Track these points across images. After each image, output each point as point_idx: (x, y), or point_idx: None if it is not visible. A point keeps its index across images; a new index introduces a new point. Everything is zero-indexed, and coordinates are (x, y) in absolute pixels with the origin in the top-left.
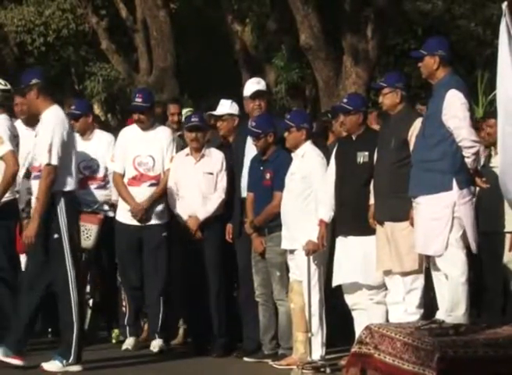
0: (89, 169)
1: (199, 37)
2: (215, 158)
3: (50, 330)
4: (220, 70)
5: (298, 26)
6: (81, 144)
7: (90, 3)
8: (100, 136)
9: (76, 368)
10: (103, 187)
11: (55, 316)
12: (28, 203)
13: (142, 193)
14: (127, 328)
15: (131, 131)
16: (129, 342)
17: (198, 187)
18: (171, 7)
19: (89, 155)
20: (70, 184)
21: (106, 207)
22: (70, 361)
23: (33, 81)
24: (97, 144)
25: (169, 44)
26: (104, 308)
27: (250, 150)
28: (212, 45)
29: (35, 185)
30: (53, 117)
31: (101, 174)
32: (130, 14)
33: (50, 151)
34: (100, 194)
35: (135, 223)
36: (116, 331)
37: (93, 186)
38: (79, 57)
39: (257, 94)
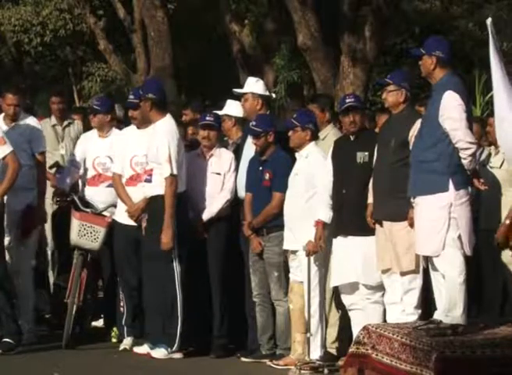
0: (102, 165)
1: (197, 38)
2: (224, 158)
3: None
4: (218, 70)
5: (296, 26)
6: (97, 141)
7: (88, 3)
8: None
9: (179, 355)
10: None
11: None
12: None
13: (138, 193)
14: (125, 328)
15: (128, 131)
16: (126, 342)
17: (205, 186)
18: (168, 7)
19: (103, 152)
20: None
21: (114, 209)
22: (174, 349)
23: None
24: (111, 143)
25: (167, 44)
26: (104, 308)
27: (248, 150)
28: (210, 45)
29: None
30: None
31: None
32: (128, 14)
33: (170, 161)
34: (110, 193)
35: (132, 223)
36: (115, 330)
37: (104, 184)
38: (76, 57)
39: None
